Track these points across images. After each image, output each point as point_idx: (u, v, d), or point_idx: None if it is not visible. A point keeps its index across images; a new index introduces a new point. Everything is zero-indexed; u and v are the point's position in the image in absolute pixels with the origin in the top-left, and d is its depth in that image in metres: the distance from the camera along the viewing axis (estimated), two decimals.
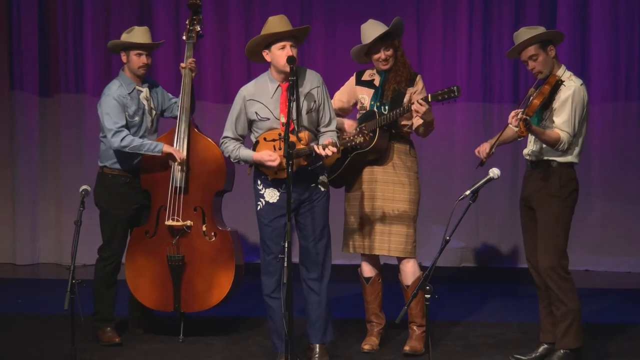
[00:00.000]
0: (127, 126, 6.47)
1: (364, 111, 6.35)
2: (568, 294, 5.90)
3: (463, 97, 9.05)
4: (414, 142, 6.42)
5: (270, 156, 5.77)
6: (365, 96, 6.35)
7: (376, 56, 6.27)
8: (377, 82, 6.34)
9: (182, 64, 6.61)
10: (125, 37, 6.56)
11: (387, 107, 6.24)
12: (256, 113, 5.86)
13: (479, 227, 9.22)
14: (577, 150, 5.93)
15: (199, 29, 6.67)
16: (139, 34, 6.54)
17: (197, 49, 9.14)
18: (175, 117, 6.67)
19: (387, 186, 6.28)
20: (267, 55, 5.84)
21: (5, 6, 9.26)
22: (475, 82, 9.18)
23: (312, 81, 5.89)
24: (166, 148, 6.45)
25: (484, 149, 5.94)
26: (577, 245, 8.55)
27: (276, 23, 5.80)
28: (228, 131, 5.95)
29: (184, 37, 6.66)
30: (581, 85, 5.89)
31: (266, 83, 5.88)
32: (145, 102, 6.58)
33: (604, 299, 7.91)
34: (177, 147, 6.49)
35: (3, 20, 9.29)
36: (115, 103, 6.45)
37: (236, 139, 5.94)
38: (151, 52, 6.61)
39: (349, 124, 6.34)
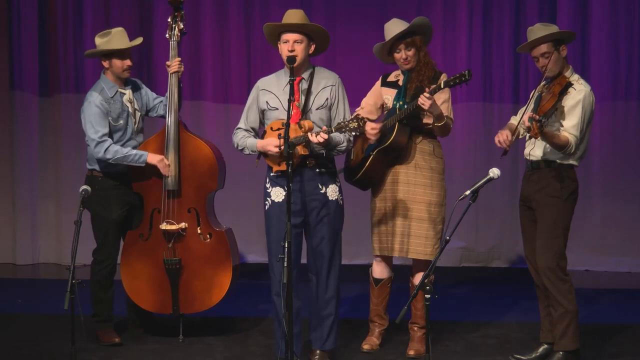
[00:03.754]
0: (111, 131, 6.42)
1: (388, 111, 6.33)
2: (566, 295, 5.88)
3: (463, 97, 9.09)
4: (441, 142, 6.35)
5: (274, 144, 5.79)
6: (389, 97, 6.32)
7: (397, 55, 6.24)
8: (401, 83, 6.30)
9: (168, 63, 6.54)
10: (102, 42, 6.44)
11: (407, 105, 6.21)
12: (267, 102, 5.93)
13: (479, 227, 9.22)
14: (579, 154, 5.91)
15: (182, 26, 6.55)
16: (117, 39, 6.43)
17: (197, 48, 9.23)
18: (161, 117, 6.65)
19: (409, 187, 6.23)
20: (280, 47, 5.92)
21: (5, 6, 9.26)
22: (475, 82, 9.16)
23: (327, 79, 5.95)
24: (150, 159, 6.40)
25: (504, 137, 5.88)
26: (577, 245, 8.55)
27: (289, 16, 5.89)
28: (241, 122, 6.05)
29: (167, 36, 6.56)
30: (591, 90, 5.90)
31: (281, 75, 5.96)
32: (128, 105, 6.52)
33: (604, 299, 7.90)
34: (167, 153, 6.43)
35: (3, 21, 9.29)
36: (98, 110, 6.39)
37: (247, 131, 6.00)
38: (131, 52, 6.53)
39: (370, 126, 6.23)
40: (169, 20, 6.57)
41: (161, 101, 6.66)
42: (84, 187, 5.82)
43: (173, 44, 6.55)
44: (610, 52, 9.04)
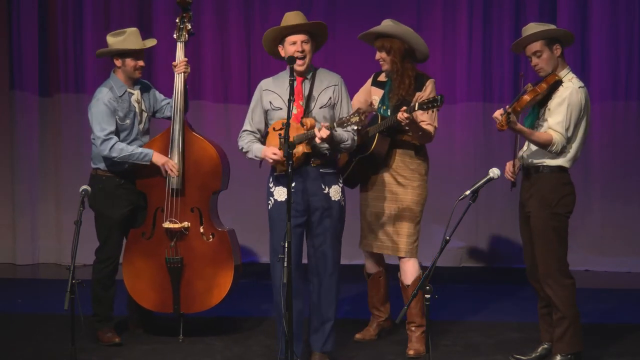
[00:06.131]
0: (117, 130, 6.43)
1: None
2: (564, 301, 5.83)
3: (463, 97, 9.09)
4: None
5: (272, 151, 5.80)
6: (376, 98, 6.35)
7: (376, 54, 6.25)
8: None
9: (174, 63, 6.55)
10: (116, 41, 6.44)
11: (389, 112, 6.21)
12: (270, 102, 5.95)
13: (479, 227, 9.22)
14: (569, 155, 5.80)
15: (189, 27, 6.57)
16: (132, 39, 6.44)
17: (197, 48, 9.23)
18: (167, 118, 6.65)
19: (389, 187, 6.27)
20: (281, 51, 5.94)
21: (5, 6, 9.26)
22: (475, 82, 9.17)
23: (329, 80, 5.98)
24: (156, 158, 6.41)
25: (508, 169, 5.91)
26: (577, 245, 8.54)
27: (290, 18, 5.89)
28: (246, 124, 6.05)
29: (175, 36, 6.57)
30: (580, 87, 5.78)
31: (284, 77, 5.95)
32: (136, 105, 6.53)
33: (604, 299, 7.91)
34: (172, 152, 6.45)
35: (3, 21, 9.29)
36: (105, 108, 6.39)
37: (253, 132, 6.01)
38: (144, 53, 6.54)
39: None
40: (177, 21, 6.59)
41: (168, 103, 6.67)
42: (84, 187, 5.82)
43: (180, 44, 6.56)
44: (610, 52, 9.04)
